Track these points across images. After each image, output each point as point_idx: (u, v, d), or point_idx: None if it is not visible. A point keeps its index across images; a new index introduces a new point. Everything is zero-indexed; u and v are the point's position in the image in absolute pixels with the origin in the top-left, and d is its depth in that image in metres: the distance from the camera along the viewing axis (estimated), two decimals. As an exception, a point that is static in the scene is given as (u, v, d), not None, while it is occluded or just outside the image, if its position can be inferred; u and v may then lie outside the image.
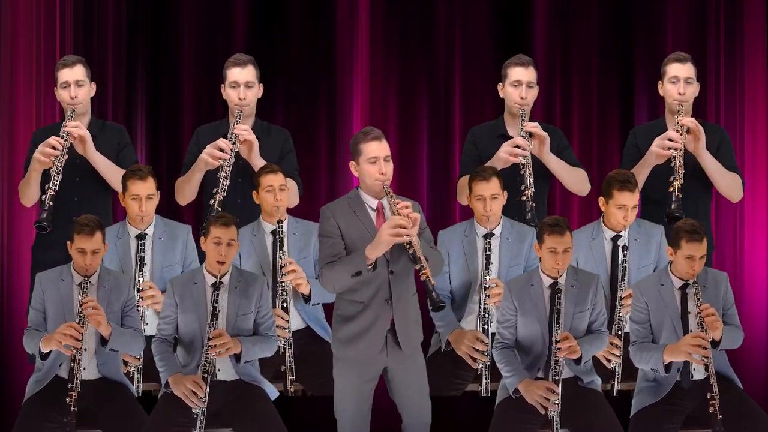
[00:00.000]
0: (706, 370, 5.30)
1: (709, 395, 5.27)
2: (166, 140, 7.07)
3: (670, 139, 5.94)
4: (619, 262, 5.79)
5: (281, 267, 5.81)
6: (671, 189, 5.88)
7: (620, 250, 5.79)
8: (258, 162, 5.99)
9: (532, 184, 5.92)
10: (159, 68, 7.12)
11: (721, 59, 7.10)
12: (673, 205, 5.85)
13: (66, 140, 5.90)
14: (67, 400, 5.30)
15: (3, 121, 6.84)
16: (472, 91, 7.16)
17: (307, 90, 7.20)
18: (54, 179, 5.83)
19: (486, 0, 7.22)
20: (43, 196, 5.81)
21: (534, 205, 5.92)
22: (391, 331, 5.13)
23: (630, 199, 5.75)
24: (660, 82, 6.10)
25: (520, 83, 6.05)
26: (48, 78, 6.74)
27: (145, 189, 5.74)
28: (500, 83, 6.12)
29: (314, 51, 7.19)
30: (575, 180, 6.15)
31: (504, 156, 5.94)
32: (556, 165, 6.06)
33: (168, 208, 6.24)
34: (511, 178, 5.93)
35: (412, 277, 5.20)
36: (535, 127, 5.99)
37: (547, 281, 5.43)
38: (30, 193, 6.02)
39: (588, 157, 7.15)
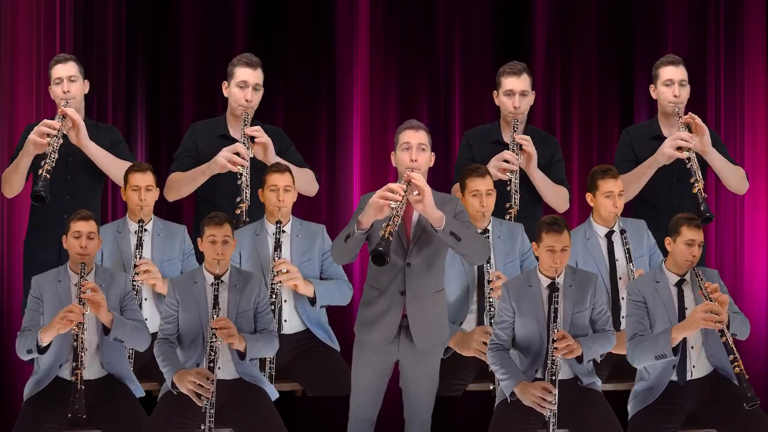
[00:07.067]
0: (723, 334, 5.25)
1: (731, 357, 5.21)
2: (166, 140, 7.07)
3: (682, 139, 5.94)
4: (617, 252, 5.81)
5: (272, 268, 5.75)
6: (695, 190, 5.85)
7: (614, 242, 5.81)
8: (274, 161, 5.96)
9: (517, 202, 5.94)
10: (159, 68, 7.13)
11: (721, 59, 7.11)
12: (702, 207, 5.82)
13: (61, 122, 5.83)
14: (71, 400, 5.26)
15: (3, 120, 6.83)
16: (472, 91, 7.17)
17: (307, 90, 7.20)
18: (50, 156, 5.75)
19: (486, 0, 7.22)
20: (40, 170, 5.71)
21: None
22: (405, 324, 5.11)
23: (614, 186, 5.78)
24: (652, 85, 6.11)
25: (512, 93, 6.05)
26: (48, 77, 6.75)
27: (145, 180, 5.84)
28: (495, 91, 6.12)
29: (314, 51, 7.20)
30: (556, 198, 6.14)
31: (493, 171, 5.93)
32: (540, 182, 6.06)
33: (168, 206, 6.26)
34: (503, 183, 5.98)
35: (434, 274, 5.14)
36: (525, 140, 5.99)
37: (545, 281, 5.42)
38: (15, 180, 5.94)
39: (588, 157, 7.16)
